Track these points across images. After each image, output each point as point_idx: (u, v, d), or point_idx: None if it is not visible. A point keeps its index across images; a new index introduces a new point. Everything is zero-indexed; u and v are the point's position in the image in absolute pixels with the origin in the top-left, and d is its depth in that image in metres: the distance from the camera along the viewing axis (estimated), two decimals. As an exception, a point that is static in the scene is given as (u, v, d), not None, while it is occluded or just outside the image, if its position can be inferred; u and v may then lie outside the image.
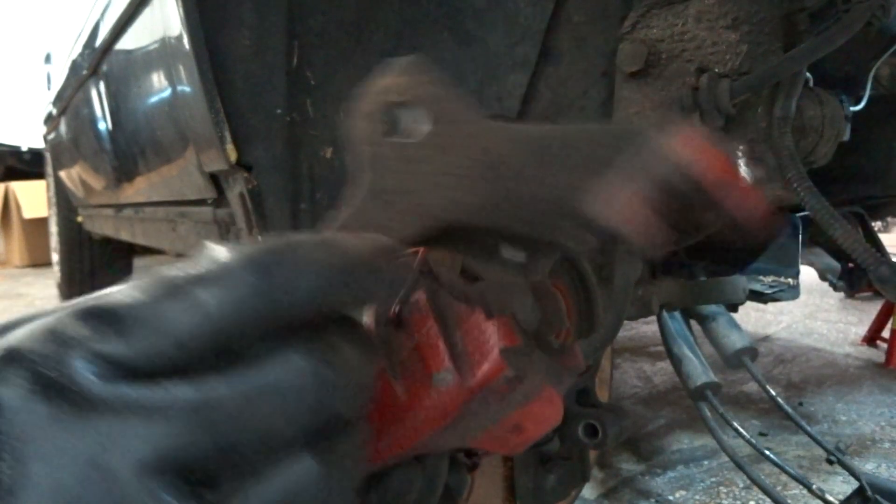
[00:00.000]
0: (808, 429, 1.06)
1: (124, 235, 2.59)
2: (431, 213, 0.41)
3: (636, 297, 1.02)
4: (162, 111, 1.38)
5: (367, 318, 0.41)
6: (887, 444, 1.49)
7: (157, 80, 1.35)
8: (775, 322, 2.78)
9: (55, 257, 3.88)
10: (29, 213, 5.28)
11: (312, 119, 1.06)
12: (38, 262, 5.56)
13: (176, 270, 0.28)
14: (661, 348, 1.25)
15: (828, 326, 2.68)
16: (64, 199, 3.55)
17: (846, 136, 0.78)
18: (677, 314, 1.17)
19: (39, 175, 4.47)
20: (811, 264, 1.73)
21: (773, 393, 1.09)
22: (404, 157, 0.40)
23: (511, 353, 0.38)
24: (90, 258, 3.57)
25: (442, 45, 1.13)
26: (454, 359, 0.38)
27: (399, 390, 0.38)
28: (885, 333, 2.24)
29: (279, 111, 1.04)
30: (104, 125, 2.03)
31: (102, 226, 2.99)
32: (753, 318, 2.84)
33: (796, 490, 1.24)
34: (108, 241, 3.48)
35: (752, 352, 1.13)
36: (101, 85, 1.94)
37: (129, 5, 1.44)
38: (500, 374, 0.38)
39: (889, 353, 2.13)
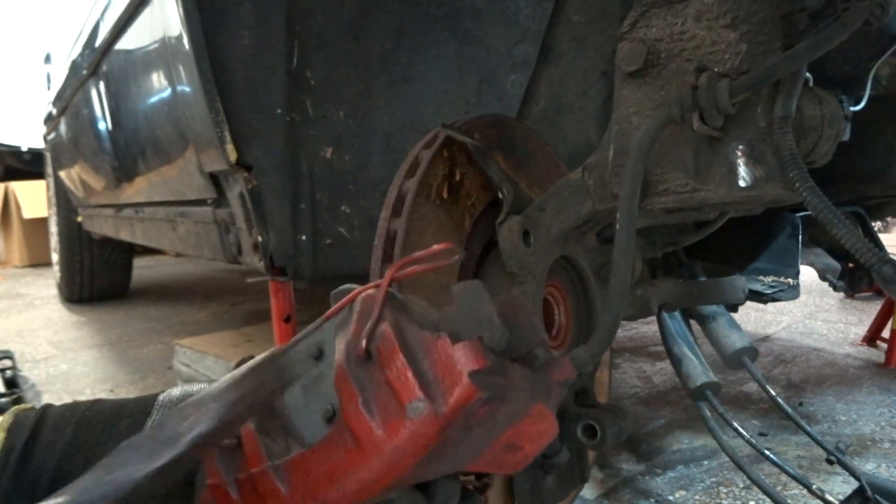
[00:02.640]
0: (808, 429, 1.06)
1: (124, 235, 2.59)
2: None
3: (636, 298, 1.01)
4: (162, 111, 1.38)
5: (338, 354, 0.41)
6: (887, 444, 1.49)
7: (157, 80, 1.35)
8: (775, 322, 2.78)
9: (55, 257, 3.88)
10: (29, 213, 5.28)
11: (312, 119, 1.06)
12: (38, 262, 5.56)
13: None
14: (661, 348, 1.25)
15: (828, 326, 2.68)
16: (64, 199, 3.55)
17: (846, 136, 0.78)
18: (677, 314, 1.17)
19: (39, 175, 4.47)
20: (811, 264, 1.73)
21: (773, 393, 1.09)
22: None
23: (482, 375, 0.38)
24: (90, 258, 3.57)
25: (442, 45, 1.13)
26: (425, 388, 0.38)
27: (375, 425, 0.38)
28: (885, 333, 2.24)
29: (279, 111, 1.04)
30: (104, 125, 2.03)
31: (102, 226, 2.99)
32: (753, 318, 2.84)
33: (796, 490, 1.24)
34: (108, 241, 3.47)
35: (752, 352, 1.13)
36: (101, 85, 1.94)
37: (129, 5, 1.44)
38: (473, 397, 0.38)
39: (889, 353, 2.13)
